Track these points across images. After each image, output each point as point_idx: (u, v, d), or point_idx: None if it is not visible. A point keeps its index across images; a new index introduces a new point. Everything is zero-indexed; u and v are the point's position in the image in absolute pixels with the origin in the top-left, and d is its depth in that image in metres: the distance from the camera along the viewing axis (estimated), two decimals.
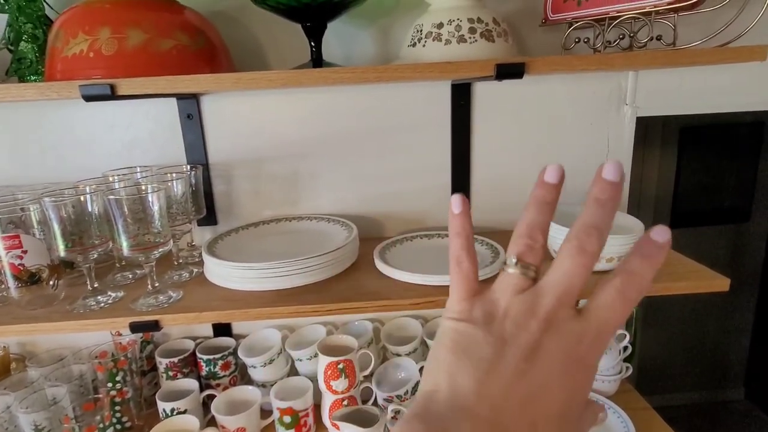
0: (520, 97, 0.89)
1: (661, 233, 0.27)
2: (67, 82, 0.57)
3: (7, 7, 0.72)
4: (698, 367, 2.35)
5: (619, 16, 0.68)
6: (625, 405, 0.87)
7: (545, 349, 0.26)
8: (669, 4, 0.63)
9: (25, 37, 0.72)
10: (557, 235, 0.72)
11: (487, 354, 0.27)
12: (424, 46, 0.68)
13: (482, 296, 0.29)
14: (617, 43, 0.73)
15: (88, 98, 0.57)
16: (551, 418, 0.26)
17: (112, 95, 0.57)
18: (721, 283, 0.70)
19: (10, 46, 0.73)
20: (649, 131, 2.04)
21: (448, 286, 0.70)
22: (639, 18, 0.69)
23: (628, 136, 0.92)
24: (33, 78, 0.74)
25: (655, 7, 0.64)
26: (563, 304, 0.27)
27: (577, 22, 0.72)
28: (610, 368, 0.90)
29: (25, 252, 0.67)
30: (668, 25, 0.70)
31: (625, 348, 0.93)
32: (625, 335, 0.93)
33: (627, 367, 0.93)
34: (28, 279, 0.68)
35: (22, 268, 0.67)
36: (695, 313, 2.26)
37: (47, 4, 0.75)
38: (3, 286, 0.70)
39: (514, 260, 0.29)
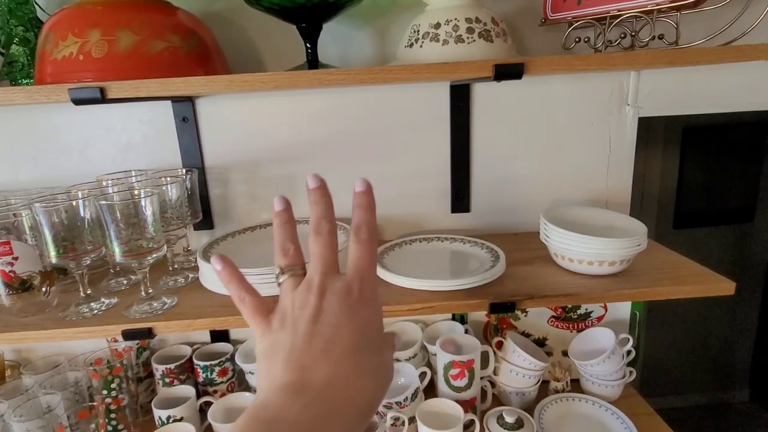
0: (519, 98, 0.88)
1: (360, 183, 0.38)
2: (57, 86, 0.56)
3: None
4: (702, 368, 2.33)
5: (620, 15, 0.67)
6: (629, 411, 0.86)
7: (325, 308, 0.34)
8: (671, 2, 0.62)
9: (16, 40, 0.71)
10: (567, 241, 0.71)
11: (286, 341, 0.34)
12: (421, 46, 0.67)
13: (275, 310, 0.36)
14: (618, 43, 0.71)
15: (78, 102, 0.56)
16: (350, 350, 0.34)
17: (103, 99, 0.56)
18: (726, 287, 0.68)
19: (1, 50, 0.72)
20: (652, 131, 2.03)
21: (447, 291, 0.69)
22: (641, 17, 0.68)
23: (629, 136, 0.90)
24: (25, 81, 0.73)
25: (657, 5, 0.63)
26: (327, 273, 0.35)
27: (577, 21, 0.70)
28: (613, 373, 0.88)
29: (16, 258, 0.66)
30: (670, 23, 0.68)
31: (629, 352, 0.91)
32: (629, 339, 0.91)
33: (630, 372, 0.91)
34: (20, 286, 0.67)
35: (13, 275, 0.66)
36: (699, 314, 2.24)
37: (38, 6, 0.74)
38: None
39: (280, 270, 0.37)
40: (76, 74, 0.59)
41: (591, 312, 0.95)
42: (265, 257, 0.76)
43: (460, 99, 0.87)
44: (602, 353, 0.86)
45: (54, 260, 0.65)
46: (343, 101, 0.87)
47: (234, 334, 0.99)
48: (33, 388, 0.82)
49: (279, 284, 0.37)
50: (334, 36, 0.83)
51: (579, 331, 0.95)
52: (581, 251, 0.70)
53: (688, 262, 0.76)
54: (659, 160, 2.07)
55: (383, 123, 0.89)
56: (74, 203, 0.65)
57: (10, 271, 0.66)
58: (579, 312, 0.94)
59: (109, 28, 0.58)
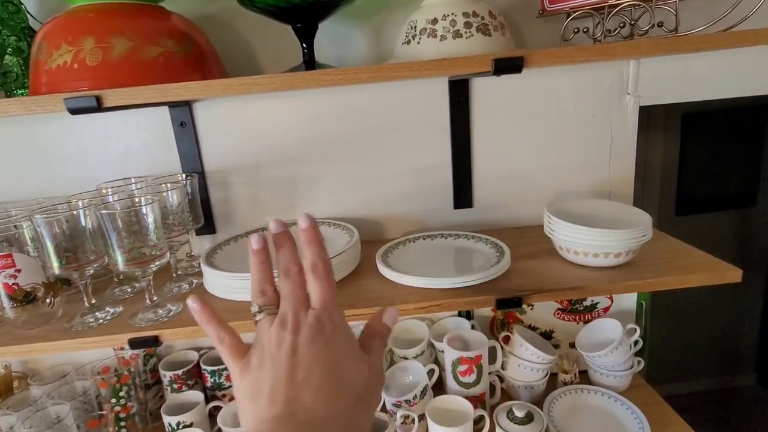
0: (519, 91, 0.87)
1: (303, 220, 0.39)
2: (52, 96, 0.55)
3: None
4: (709, 354, 2.33)
5: (619, 4, 0.66)
6: (638, 401, 0.86)
7: (301, 342, 0.36)
8: None
9: (9, 50, 0.70)
10: (572, 234, 0.70)
11: (267, 377, 0.35)
12: (418, 43, 0.66)
13: (252, 349, 0.38)
14: (617, 32, 0.71)
15: (74, 111, 0.55)
16: (330, 374, 0.36)
17: (99, 107, 0.55)
18: (733, 275, 0.68)
19: None
20: (652, 118, 2.02)
21: (453, 289, 0.69)
22: (639, 5, 0.67)
23: (631, 125, 0.90)
24: (20, 92, 0.72)
25: None
26: (298, 310, 0.37)
27: (575, 11, 0.70)
28: (621, 363, 0.88)
29: (18, 271, 0.65)
30: (670, 11, 0.67)
31: (636, 342, 0.91)
32: (636, 329, 0.91)
33: (639, 362, 0.91)
34: (23, 298, 0.66)
35: (16, 288, 0.66)
36: (704, 300, 2.24)
37: (31, 15, 0.73)
38: None
39: (257, 309, 0.39)
40: (72, 83, 0.58)
41: (597, 303, 0.94)
42: None
43: (460, 94, 0.86)
44: (610, 344, 0.86)
45: (57, 271, 0.65)
46: (342, 100, 0.87)
47: (241, 337, 0.98)
48: (41, 399, 0.82)
49: (255, 322, 0.39)
50: (330, 35, 0.82)
51: (586, 322, 0.94)
52: (586, 244, 0.70)
53: (694, 250, 0.75)
54: (660, 147, 2.06)
55: (383, 121, 0.88)
56: (75, 213, 0.65)
57: (13, 284, 0.65)
58: (585, 304, 0.94)
59: (102, 35, 0.58)
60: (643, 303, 0.95)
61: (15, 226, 0.67)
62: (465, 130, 0.89)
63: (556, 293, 0.67)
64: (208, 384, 0.89)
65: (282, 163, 0.90)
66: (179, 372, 0.88)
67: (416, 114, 0.88)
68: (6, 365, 0.92)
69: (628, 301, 0.95)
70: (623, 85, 0.88)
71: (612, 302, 0.94)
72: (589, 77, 0.87)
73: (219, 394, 0.89)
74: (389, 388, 0.84)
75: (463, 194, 0.92)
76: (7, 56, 0.70)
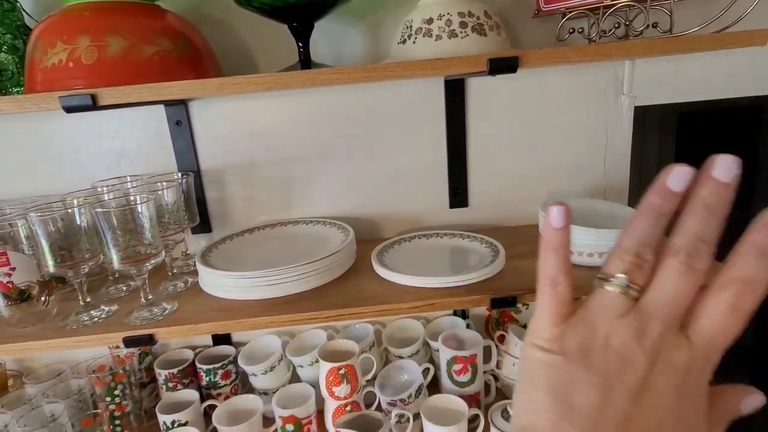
0: (515, 91, 0.87)
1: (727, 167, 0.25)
2: (47, 94, 0.55)
3: None
4: None
5: (614, 5, 0.67)
6: None
7: (654, 387, 0.24)
8: None
9: (4, 48, 0.70)
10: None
11: (590, 399, 0.24)
12: (414, 42, 0.66)
13: (576, 319, 0.26)
14: (612, 32, 0.71)
15: (69, 109, 0.55)
16: None
17: (94, 106, 0.55)
18: None
19: None
20: (647, 118, 2.02)
21: (448, 288, 0.69)
22: (634, 6, 0.68)
23: (626, 126, 0.90)
24: (15, 90, 0.72)
25: None
26: (669, 327, 0.24)
27: (570, 12, 0.70)
28: None
29: (13, 269, 0.65)
30: (664, 11, 0.68)
31: None
32: None
33: None
34: (18, 297, 0.66)
35: (11, 286, 0.66)
36: None
37: (26, 13, 0.73)
38: None
39: (622, 278, 0.25)
40: (67, 81, 0.58)
41: None
42: (264, 259, 0.76)
43: (455, 94, 0.87)
44: None
45: (52, 269, 0.65)
46: (337, 100, 0.87)
47: (236, 336, 0.99)
48: (36, 397, 0.81)
49: (600, 286, 0.26)
50: (326, 34, 0.82)
51: None
52: (582, 243, 0.70)
53: None
54: (655, 147, 2.07)
55: (379, 120, 0.88)
56: (70, 211, 0.65)
57: (8, 282, 0.65)
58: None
59: (98, 33, 0.58)
60: None
61: (10, 224, 0.67)
62: (460, 130, 0.89)
63: None
64: (203, 383, 0.89)
65: (278, 162, 0.90)
66: (174, 371, 0.88)
67: (412, 113, 0.88)
68: (0, 363, 0.92)
69: None
70: (618, 86, 0.88)
71: None
72: (584, 78, 0.87)
73: (214, 392, 0.89)
74: (384, 387, 0.84)
75: (458, 194, 0.92)
76: (2, 54, 0.70)
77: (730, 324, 0.24)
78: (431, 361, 0.91)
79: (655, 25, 0.70)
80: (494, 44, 0.66)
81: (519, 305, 0.93)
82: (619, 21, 0.71)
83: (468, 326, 0.92)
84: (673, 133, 2.12)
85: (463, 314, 0.96)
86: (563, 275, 0.27)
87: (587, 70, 0.87)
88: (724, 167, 0.25)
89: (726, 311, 0.24)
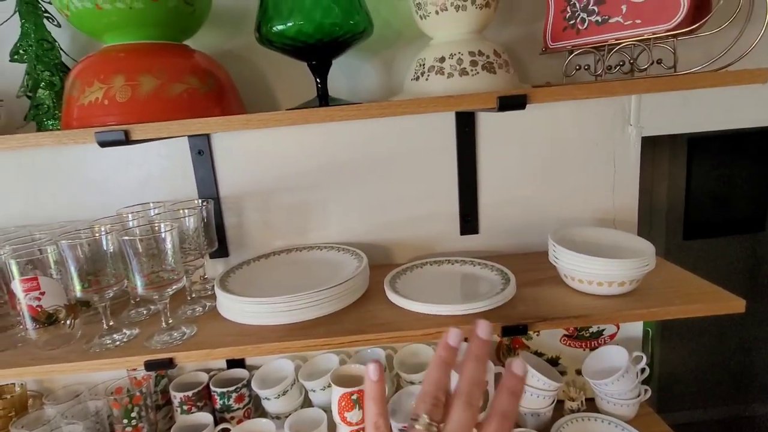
0: (524, 122, 0.90)
1: (519, 367, 0.36)
2: (83, 130, 0.59)
3: (26, 57, 0.75)
4: (720, 381, 2.29)
5: (619, 44, 0.69)
6: (645, 429, 0.86)
7: None
8: (667, 31, 0.64)
9: (42, 84, 0.75)
10: (577, 263, 0.72)
11: None
12: (427, 79, 0.70)
13: None
14: (618, 69, 0.74)
15: (104, 144, 0.59)
16: None
17: (126, 141, 0.59)
18: (736, 305, 0.69)
19: (28, 93, 0.76)
20: (657, 142, 2.03)
21: (460, 315, 0.70)
22: (638, 44, 0.70)
23: (634, 156, 0.92)
24: (49, 122, 0.76)
25: (653, 34, 0.65)
26: None
27: (577, 50, 0.73)
28: (628, 392, 0.88)
29: (42, 293, 0.68)
30: (668, 49, 0.70)
31: (643, 370, 0.91)
32: (642, 357, 0.91)
33: (645, 390, 0.91)
34: (46, 320, 0.69)
35: (40, 310, 0.68)
36: (715, 325, 2.21)
37: (63, 52, 0.78)
38: (21, 326, 0.71)
39: (426, 419, 0.35)
40: (101, 118, 0.62)
41: (603, 330, 0.95)
42: (280, 284, 0.78)
43: (466, 124, 0.90)
44: (616, 371, 0.86)
45: (79, 294, 0.68)
46: (352, 130, 0.90)
47: (250, 359, 1.00)
48: (55, 418, 0.83)
49: (412, 427, 0.35)
50: (342, 69, 0.86)
51: (592, 349, 0.95)
52: (590, 272, 0.71)
53: (698, 279, 0.76)
54: (665, 171, 2.08)
55: (392, 149, 0.91)
56: (97, 238, 0.68)
57: (37, 306, 0.68)
58: (591, 330, 0.95)
59: (132, 73, 0.62)
60: (650, 330, 0.96)
61: (40, 250, 0.70)
62: (471, 159, 0.92)
63: (561, 321, 0.69)
64: (217, 406, 0.91)
65: (293, 189, 0.93)
66: (189, 393, 0.90)
67: (424, 143, 0.91)
68: (22, 384, 0.94)
69: (635, 328, 0.96)
70: (625, 117, 0.90)
71: (618, 329, 0.95)
72: (591, 109, 0.90)
73: (228, 416, 0.90)
74: (395, 413, 0.85)
75: (469, 221, 0.94)
76: (40, 90, 0.75)
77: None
78: None
79: (659, 62, 0.72)
80: (503, 81, 0.69)
81: (530, 332, 0.94)
82: (624, 58, 0.74)
83: None
84: (684, 156, 2.12)
85: None
86: (383, 419, 0.36)
87: (594, 102, 0.89)
88: (485, 328, 0.37)
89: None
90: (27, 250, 0.70)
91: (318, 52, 0.69)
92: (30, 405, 0.94)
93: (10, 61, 0.75)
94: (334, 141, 0.91)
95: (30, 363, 0.67)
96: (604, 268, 0.70)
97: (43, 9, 0.75)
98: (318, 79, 0.74)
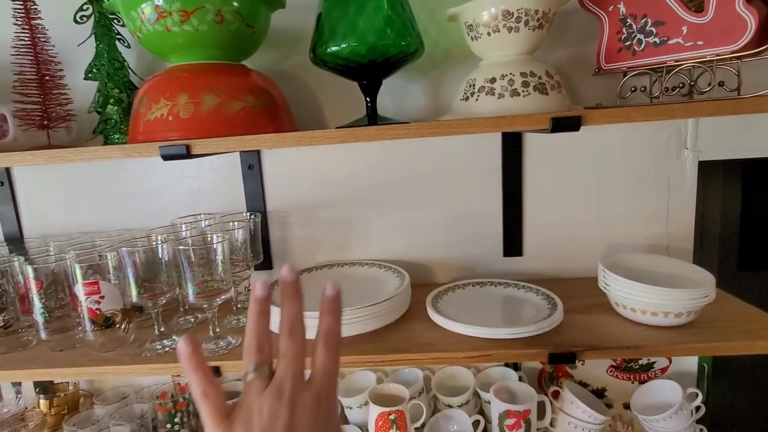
0: (573, 144, 0.88)
1: (330, 289, 0.39)
2: (148, 144, 0.63)
3: (98, 75, 0.80)
4: None
5: (678, 65, 0.67)
6: None
7: (298, 424, 0.34)
8: (732, 52, 0.62)
9: (112, 100, 0.80)
10: (630, 290, 0.69)
11: None
12: (476, 100, 0.70)
13: (237, 410, 0.35)
14: (677, 91, 0.71)
15: (166, 158, 0.62)
16: None
17: (188, 154, 0.62)
18: None
19: (98, 109, 0.81)
20: (710, 167, 1.94)
21: (504, 340, 0.69)
22: (698, 66, 0.68)
23: (690, 181, 0.88)
24: (116, 136, 0.81)
25: (717, 56, 0.63)
26: (298, 381, 0.35)
27: (632, 71, 0.71)
28: (681, 430, 0.83)
29: (102, 297, 0.72)
30: (731, 70, 0.68)
31: (698, 408, 0.85)
32: (697, 394, 0.86)
33: (701, 430, 0.85)
34: (103, 323, 0.72)
35: (98, 313, 0.72)
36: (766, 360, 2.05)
37: (132, 71, 0.83)
38: (80, 328, 0.75)
39: (252, 366, 0.35)
40: (164, 133, 0.65)
41: (654, 363, 0.90)
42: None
43: (513, 144, 0.89)
44: (667, 407, 0.81)
45: (135, 299, 0.71)
46: (398, 148, 0.91)
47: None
48: (104, 418, 0.87)
49: (245, 381, 0.35)
50: (391, 88, 0.88)
51: (641, 382, 0.90)
52: (645, 301, 0.68)
53: (761, 313, 0.72)
54: (719, 198, 1.97)
55: (436, 168, 0.91)
56: (154, 246, 0.71)
57: (96, 309, 0.72)
58: (641, 362, 0.90)
59: (195, 91, 0.65)
60: (705, 365, 0.90)
61: (100, 256, 0.74)
62: (517, 179, 0.90)
63: (613, 351, 0.66)
64: None
65: (337, 205, 0.94)
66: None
67: (469, 162, 0.91)
68: (75, 383, 0.99)
69: (689, 362, 0.90)
70: (681, 140, 0.87)
71: (670, 362, 0.90)
72: (644, 132, 0.87)
73: None
74: None
75: (513, 242, 0.93)
76: (109, 106, 0.80)
77: (328, 361, 0.36)
78: (481, 412, 0.89)
79: (721, 84, 0.70)
80: (555, 102, 0.68)
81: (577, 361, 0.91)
82: (683, 81, 0.71)
83: (520, 379, 0.90)
84: (739, 182, 2.01)
85: (516, 366, 0.94)
86: (210, 386, 0.35)
87: (648, 125, 0.87)
88: (288, 269, 0.38)
89: (323, 352, 0.37)
90: (89, 256, 0.74)
91: (369, 72, 0.71)
92: (81, 404, 0.98)
93: (85, 79, 0.81)
94: (380, 159, 0.92)
95: (87, 363, 0.71)
96: (661, 297, 0.66)
97: (115, 31, 0.81)
98: (368, 98, 0.76)
